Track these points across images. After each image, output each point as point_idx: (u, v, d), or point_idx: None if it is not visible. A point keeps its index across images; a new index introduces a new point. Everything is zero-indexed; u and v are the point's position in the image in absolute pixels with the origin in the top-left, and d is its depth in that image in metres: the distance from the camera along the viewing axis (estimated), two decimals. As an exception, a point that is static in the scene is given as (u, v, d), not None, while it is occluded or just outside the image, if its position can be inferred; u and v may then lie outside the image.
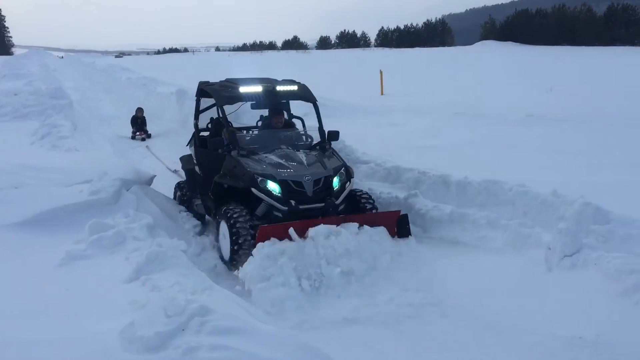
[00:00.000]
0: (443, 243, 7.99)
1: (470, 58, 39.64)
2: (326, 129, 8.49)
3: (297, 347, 3.70)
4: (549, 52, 47.97)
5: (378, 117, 17.77)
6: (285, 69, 37.07)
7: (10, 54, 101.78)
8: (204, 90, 8.55)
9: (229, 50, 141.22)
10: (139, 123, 17.04)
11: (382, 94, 25.25)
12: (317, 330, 5.52)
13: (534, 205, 7.98)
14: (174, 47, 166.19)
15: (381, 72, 26.67)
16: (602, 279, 6.11)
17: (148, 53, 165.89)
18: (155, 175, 9.21)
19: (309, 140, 8.39)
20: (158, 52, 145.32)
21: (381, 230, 7.09)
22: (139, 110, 17.30)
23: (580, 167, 10.28)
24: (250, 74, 10.24)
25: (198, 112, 9.13)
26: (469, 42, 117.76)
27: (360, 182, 9.84)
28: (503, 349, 5.13)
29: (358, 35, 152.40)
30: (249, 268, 6.27)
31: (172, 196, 9.42)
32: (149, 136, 17.02)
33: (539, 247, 6.89)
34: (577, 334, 5.25)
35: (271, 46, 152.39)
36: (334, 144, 8.50)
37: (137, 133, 16.89)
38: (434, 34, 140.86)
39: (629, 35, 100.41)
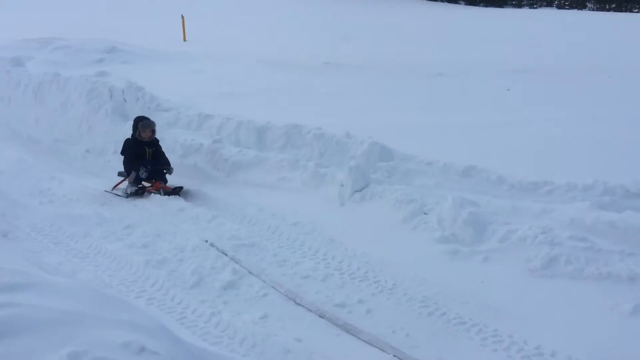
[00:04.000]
0: (247, 186, 8.21)
1: (273, 9, 39.99)
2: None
3: (94, 296, 3.62)
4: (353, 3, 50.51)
5: (180, 64, 17.22)
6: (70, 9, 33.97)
7: None
8: None
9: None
10: (148, 155, 8.14)
11: (184, 40, 24.45)
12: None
13: (329, 146, 8.56)
14: None
15: (183, 18, 25.74)
16: (387, 209, 6.85)
17: None
18: None
19: None
20: None
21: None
22: (146, 123, 8.20)
23: (371, 110, 11.15)
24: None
25: None
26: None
27: (163, 130, 9.61)
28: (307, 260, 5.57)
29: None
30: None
31: None
32: (176, 190, 7.86)
33: (333, 185, 7.45)
34: (364, 253, 5.93)
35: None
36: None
37: (147, 186, 8.02)
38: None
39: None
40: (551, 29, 29.01)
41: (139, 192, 7.93)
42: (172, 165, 8.28)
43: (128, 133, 8.48)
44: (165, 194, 7.73)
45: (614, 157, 7.89)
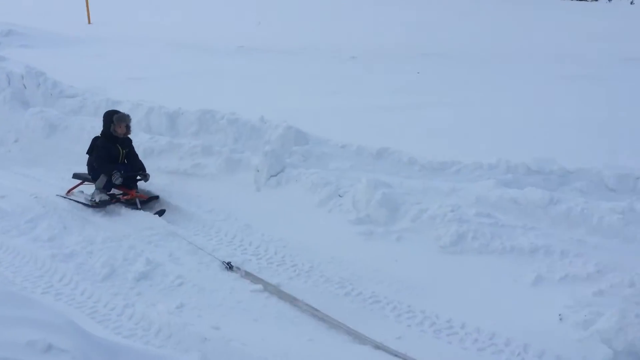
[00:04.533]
0: (160, 173, 7.97)
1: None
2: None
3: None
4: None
5: (85, 48, 16.40)
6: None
7: None
8: None
9: None
10: (122, 156, 6.96)
11: (89, 22, 23.28)
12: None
13: (244, 131, 8.47)
14: None
15: (86, -1, 24.47)
16: (303, 193, 6.88)
17: None
18: None
19: None
20: None
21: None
22: (122, 116, 6.94)
23: (285, 94, 11.12)
24: None
25: None
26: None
27: (67, 118, 9.14)
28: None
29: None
30: None
31: None
32: (152, 200, 7.00)
33: (249, 170, 7.38)
34: (281, 237, 5.96)
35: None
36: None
37: (118, 194, 6.89)
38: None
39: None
40: (459, 14, 30.00)
41: (108, 202, 6.68)
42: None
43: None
44: (140, 204, 6.78)
45: (516, 137, 8.33)
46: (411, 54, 15.98)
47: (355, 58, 15.13)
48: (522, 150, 7.41)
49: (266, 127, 8.37)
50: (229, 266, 5.32)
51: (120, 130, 6.81)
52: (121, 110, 7.24)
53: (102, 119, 7.01)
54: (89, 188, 6.98)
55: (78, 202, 6.75)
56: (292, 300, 4.80)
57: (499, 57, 15.85)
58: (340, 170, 7.47)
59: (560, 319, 4.40)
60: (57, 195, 6.95)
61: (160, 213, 6.65)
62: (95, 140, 7.01)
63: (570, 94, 11.16)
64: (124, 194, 6.87)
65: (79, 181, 7.15)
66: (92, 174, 6.87)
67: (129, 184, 6.86)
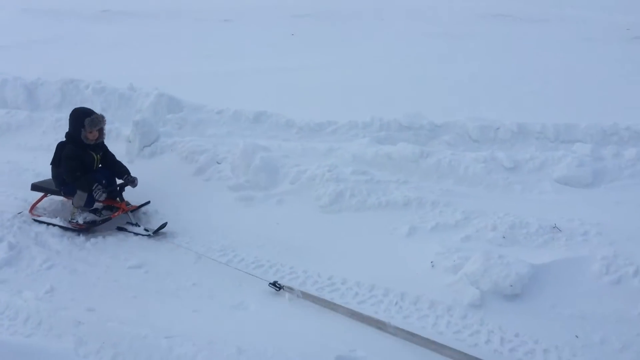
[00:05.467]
0: (22, 150, 7.38)
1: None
2: None
3: None
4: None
5: None
6: None
7: None
8: None
9: None
10: (96, 163, 5.61)
11: None
12: None
13: (112, 100, 8.02)
14: None
15: None
16: (179, 162, 6.69)
17: None
18: None
19: None
20: None
21: None
22: (95, 119, 5.40)
23: (156, 60, 10.65)
24: None
25: None
26: None
27: None
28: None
29: None
30: None
31: None
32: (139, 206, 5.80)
33: (120, 141, 7.02)
34: (157, 210, 5.82)
35: None
36: None
37: (102, 205, 5.75)
38: None
39: None
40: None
41: (97, 222, 5.42)
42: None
43: None
44: (134, 218, 5.56)
45: (387, 95, 8.60)
46: (284, 15, 15.88)
47: (229, 21, 14.75)
48: (394, 108, 7.67)
49: (136, 96, 7.99)
50: (278, 287, 4.44)
51: (92, 137, 5.37)
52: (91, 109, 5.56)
53: (67, 118, 5.54)
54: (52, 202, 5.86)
55: (54, 225, 5.38)
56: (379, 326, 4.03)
57: (354, 16, 16.14)
58: (218, 137, 7.33)
59: (432, 266, 4.64)
60: (19, 213, 5.57)
61: (163, 227, 5.42)
62: (60, 147, 5.46)
63: (433, 52, 11.67)
64: (111, 209, 5.66)
65: (40, 194, 5.76)
66: (63, 189, 5.53)
67: (112, 194, 5.56)
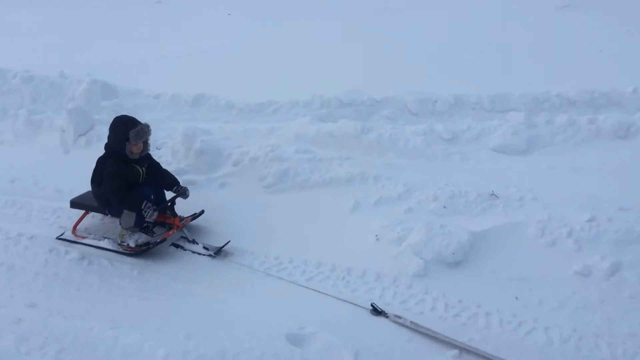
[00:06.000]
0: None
1: None
2: None
3: None
4: None
5: None
6: None
7: None
8: None
9: None
10: (142, 176, 4.91)
11: None
12: None
13: (42, 89, 7.71)
14: None
15: None
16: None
17: None
18: None
19: None
20: None
21: None
22: (140, 132, 4.73)
23: (86, 45, 10.28)
24: None
25: None
26: None
27: None
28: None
29: None
30: None
31: None
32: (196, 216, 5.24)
33: (53, 131, 6.77)
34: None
35: None
36: None
37: (152, 222, 5.03)
38: None
39: None
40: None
41: (151, 243, 4.81)
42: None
43: None
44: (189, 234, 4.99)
45: (327, 73, 8.60)
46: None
47: (161, 2, 14.35)
48: (334, 85, 7.68)
49: (68, 83, 7.71)
50: (378, 311, 3.98)
51: (137, 150, 4.72)
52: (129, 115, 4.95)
53: (108, 129, 4.83)
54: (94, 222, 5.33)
55: (103, 249, 4.83)
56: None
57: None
58: (156, 122, 7.12)
59: (377, 239, 4.72)
60: (58, 238, 4.99)
61: (225, 245, 4.89)
62: (101, 162, 4.81)
63: (371, 28, 11.73)
64: (163, 224, 5.11)
65: (82, 211, 5.18)
66: (109, 209, 4.89)
67: (164, 209, 4.94)
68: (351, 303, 4.00)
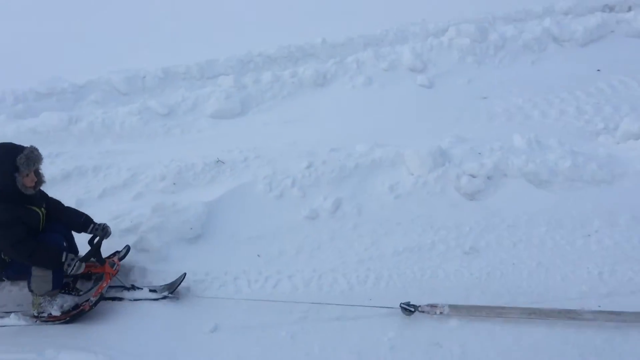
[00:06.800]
0: None
1: None
2: None
3: None
4: None
5: None
6: None
7: None
8: None
9: None
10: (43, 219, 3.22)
11: None
12: None
13: None
14: None
15: None
16: None
17: None
18: None
19: None
20: None
21: None
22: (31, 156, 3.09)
23: None
24: None
25: None
26: None
27: None
28: None
29: None
30: None
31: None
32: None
33: None
34: None
35: None
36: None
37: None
38: None
39: None
40: None
41: (79, 309, 3.64)
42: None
43: None
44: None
45: (16, 63, 7.64)
46: None
47: None
48: (27, 76, 6.85)
49: None
50: (412, 309, 3.55)
51: (30, 183, 3.45)
52: None
53: None
54: None
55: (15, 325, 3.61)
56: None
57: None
58: None
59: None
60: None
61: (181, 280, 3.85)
62: None
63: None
64: (91, 279, 3.95)
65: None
66: (5, 273, 3.65)
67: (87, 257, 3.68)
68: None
